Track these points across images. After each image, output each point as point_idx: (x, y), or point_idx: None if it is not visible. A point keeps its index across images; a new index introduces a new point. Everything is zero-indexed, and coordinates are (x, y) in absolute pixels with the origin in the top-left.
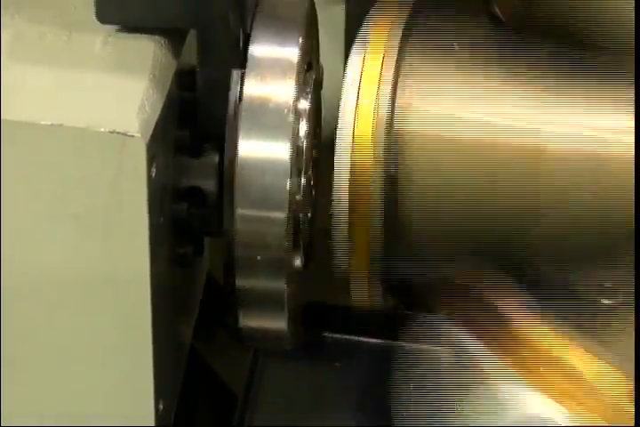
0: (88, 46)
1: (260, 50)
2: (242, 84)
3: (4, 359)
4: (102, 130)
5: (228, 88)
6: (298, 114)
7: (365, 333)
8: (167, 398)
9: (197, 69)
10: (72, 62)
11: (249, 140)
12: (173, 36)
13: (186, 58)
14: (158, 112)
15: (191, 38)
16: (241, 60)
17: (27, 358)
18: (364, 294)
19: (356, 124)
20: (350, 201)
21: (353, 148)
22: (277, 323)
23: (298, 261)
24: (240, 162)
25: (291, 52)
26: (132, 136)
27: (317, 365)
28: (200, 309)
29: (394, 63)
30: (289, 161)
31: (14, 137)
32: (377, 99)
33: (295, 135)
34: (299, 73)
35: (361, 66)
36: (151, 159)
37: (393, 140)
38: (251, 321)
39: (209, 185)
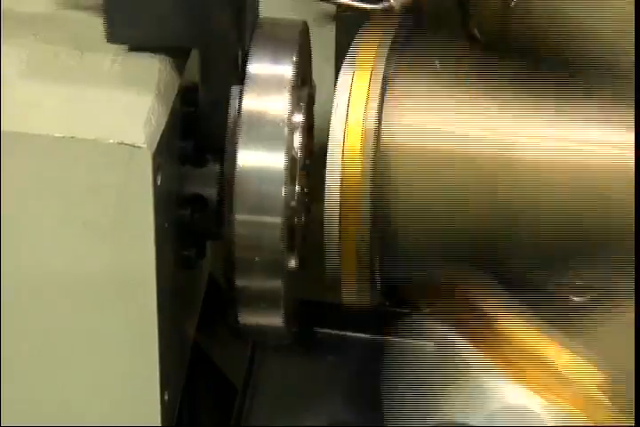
0: (98, 65)
1: (257, 67)
2: (240, 99)
3: (22, 356)
4: (111, 141)
5: (227, 103)
6: (292, 127)
7: (354, 328)
8: (172, 389)
9: (199, 85)
10: (83, 79)
11: (247, 150)
12: (177, 55)
13: (189, 75)
14: (163, 125)
15: (194, 57)
16: (239, 77)
17: (43, 354)
18: (353, 293)
19: (346, 137)
20: (340, 207)
21: (343, 158)
22: (274, 319)
23: (293, 262)
24: (239, 171)
25: (285, 70)
26: (139, 147)
27: (310, 358)
28: (202, 307)
29: (380, 81)
30: (284, 170)
31: (30, 148)
32: (365, 114)
33: (290, 146)
34: (293, 89)
35: (350, 83)
36: (157, 169)
37: (379, 152)
38: (249, 318)
39: (210, 192)
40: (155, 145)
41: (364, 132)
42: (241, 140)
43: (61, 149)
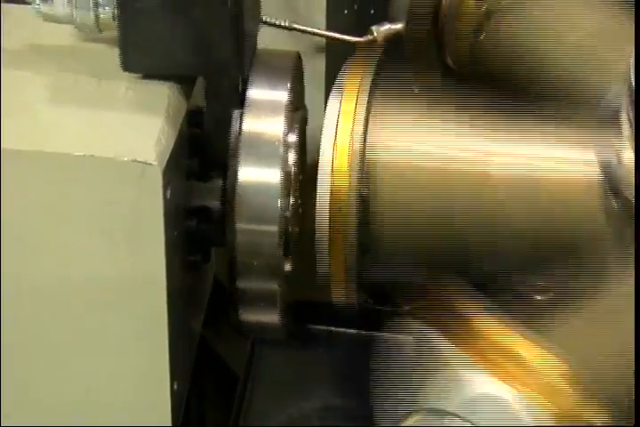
0: (114, 91)
1: (255, 93)
2: (241, 122)
3: (47, 350)
4: (126, 159)
5: (229, 124)
6: (287, 146)
7: (343, 324)
8: (181, 379)
9: (204, 109)
10: (101, 104)
11: (247, 167)
12: (184, 82)
13: (195, 100)
14: (172, 145)
15: (199, 84)
16: (240, 101)
17: (64, 348)
18: (341, 294)
19: (335, 156)
20: (330, 218)
21: (332, 174)
22: (271, 317)
23: (288, 266)
24: (239, 185)
25: (281, 95)
26: (151, 164)
27: (303, 351)
28: (208, 305)
29: (365, 106)
30: (280, 184)
31: (53, 165)
32: (351, 135)
33: (285, 163)
34: (287, 112)
35: (338, 108)
36: (166, 183)
37: (364, 169)
38: (249, 316)
39: (214, 204)
40: (164, 162)
41: (351, 152)
42: (241, 158)
43: (81, 166)
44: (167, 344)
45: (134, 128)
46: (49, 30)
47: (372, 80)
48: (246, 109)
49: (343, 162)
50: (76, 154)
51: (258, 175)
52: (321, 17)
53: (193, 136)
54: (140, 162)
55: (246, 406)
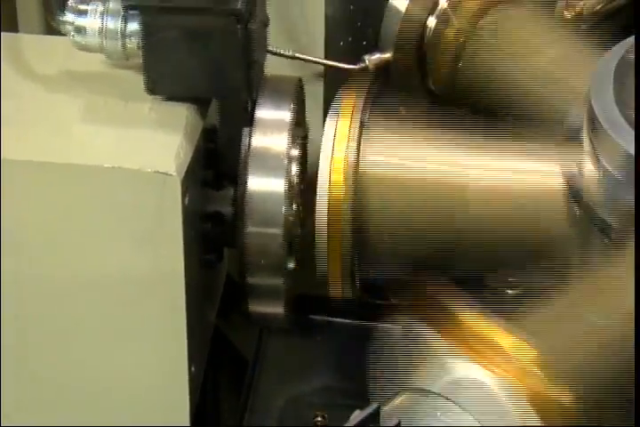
0: (139, 111)
1: (263, 113)
2: (250, 138)
3: (77, 339)
4: (149, 170)
5: (240, 140)
6: (290, 159)
7: (340, 315)
8: (197, 363)
9: (218, 127)
10: (127, 122)
11: (255, 177)
12: (200, 104)
13: (209, 119)
14: (189, 158)
15: (213, 105)
16: (249, 120)
17: (92, 337)
18: (338, 290)
19: (332, 169)
20: (327, 223)
21: (329, 185)
22: (277, 309)
23: (291, 264)
24: (248, 193)
25: (285, 115)
26: (171, 175)
27: (305, 338)
28: (221, 298)
29: (358, 126)
30: (284, 193)
31: (85, 176)
32: (346, 151)
33: (288, 174)
34: (290, 129)
35: (334, 127)
36: (185, 192)
37: (358, 181)
38: (258, 307)
39: (227, 210)
40: (183, 173)
41: (346, 165)
42: (250, 170)
43: (110, 177)
44: (185, 332)
45: (156, 143)
46: (82, 58)
47: (364, 103)
48: (255, 127)
49: (339, 174)
50: (106, 166)
51: (265, 185)
52: (320, 48)
53: (208, 150)
54: (161, 173)
55: (255, 387)
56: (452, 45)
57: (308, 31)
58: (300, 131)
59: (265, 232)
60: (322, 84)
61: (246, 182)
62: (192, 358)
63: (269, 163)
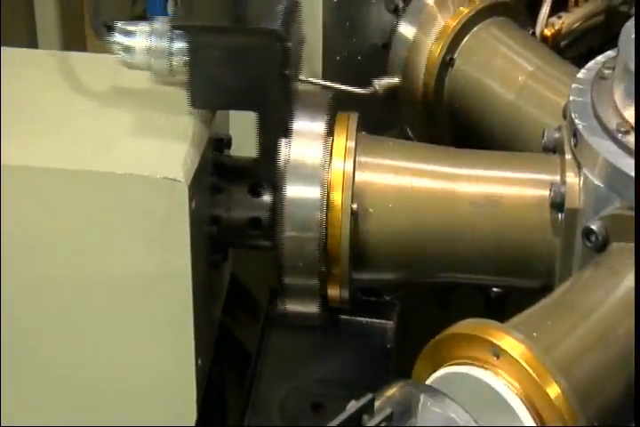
0: (150, 122)
1: (299, 125)
2: (289, 148)
3: (94, 332)
4: (159, 177)
5: (278, 151)
6: (324, 168)
7: (337, 312)
8: (204, 356)
9: (222, 137)
10: (140, 133)
11: (293, 186)
12: (206, 116)
13: (214, 129)
14: (196, 165)
15: (218, 116)
16: (288, 132)
17: (109, 330)
18: (336, 293)
19: (330, 179)
20: (327, 232)
21: (328, 198)
22: (312, 308)
23: (323, 266)
24: (287, 200)
25: (319, 127)
26: (179, 181)
27: (305, 333)
28: (226, 296)
29: (354, 143)
30: (320, 200)
31: (101, 182)
32: (344, 165)
33: (323, 182)
34: (325, 140)
35: (332, 144)
36: (191, 196)
37: (354, 189)
38: (294, 306)
39: (232, 214)
40: (190, 179)
41: (344, 177)
42: (288, 178)
43: (122, 183)
44: (192, 328)
45: (166, 152)
46: (101, 74)
47: (357, 122)
48: (293, 138)
49: (337, 186)
50: (119, 172)
51: (302, 192)
52: (318, 62)
53: (214, 158)
54: (170, 179)
55: (257, 378)
56: (438, 62)
57: (308, 47)
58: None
59: (302, 236)
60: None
61: (284, 190)
62: (199, 352)
63: (307, 172)
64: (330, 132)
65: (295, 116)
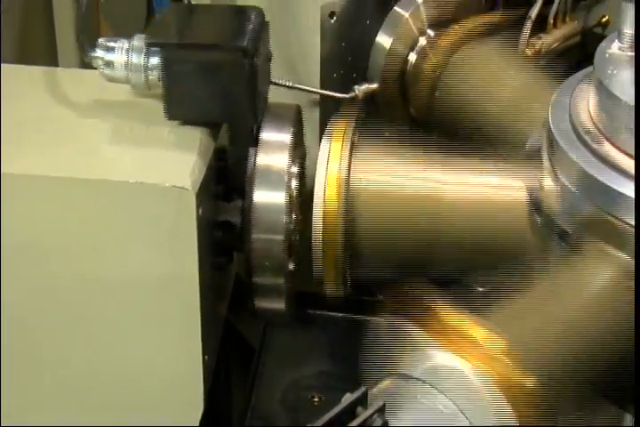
0: (159, 134)
1: (266, 135)
2: (255, 157)
3: (105, 330)
4: (167, 185)
5: (247, 159)
6: (290, 175)
7: (333, 310)
8: (210, 351)
9: (228, 147)
10: (149, 144)
11: (260, 191)
12: (212, 127)
13: (220, 140)
14: (203, 174)
15: (224, 129)
16: (255, 142)
17: (120, 328)
18: (332, 289)
19: (326, 185)
20: (323, 232)
21: (324, 198)
22: (279, 305)
23: (291, 266)
24: (254, 205)
25: (285, 137)
26: (187, 189)
27: (304, 330)
28: (231, 295)
29: (349, 147)
30: (284, 204)
31: (112, 190)
32: (339, 170)
33: (289, 188)
34: (290, 150)
35: (328, 149)
36: (199, 204)
37: (349, 195)
38: (262, 303)
39: (236, 219)
40: (197, 188)
41: (338, 182)
42: (256, 184)
43: (134, 191)
44: (199, 325)
45: (174, 162)
46: (112, 89)
47: (353, 129)
48: (259, 147)
49: (333, 189)
50: (131, 181)
51: (268, 197)
52: (316, 79)
53: (219, 168)
54: (178, 187)
55: (260, 372)
56: (429, 77)
57: (305, 65)
58: (299, 151)
59: (269, 238)
60: (318, 111)
61: (252, 196)
62: (205, 348)
63: (272, 178)
64: (296, 142)
65: (263, 126)
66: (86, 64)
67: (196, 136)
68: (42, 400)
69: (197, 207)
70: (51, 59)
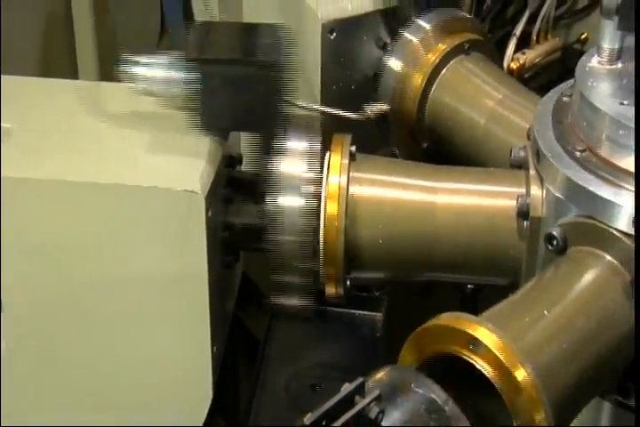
0: (171, 142)
1: (292, 144)
2: (282, 163)
3: (120, 325)
4: (179, 189)
5: (265, 165)
6: (308, 181)
7: (333, 306)
8: (218, 344)
9: (234, 154)
10: (161, 151)
11: (283, 196)
12: (220, 137)
13: (227, 148)
14: (212, 179)
15: (231, 137)
16: (279, 149)
17: (135, 322)
18: (333, 290)
19: (327, 195)
20: (324, 237)
21: (325, 208)
22: (304, 301)
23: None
24: (278, 209)
25: (311, 145)
26: (197, 193)
27: (306, 324)
28: (238, 291)
29: (348, 160)
30: (313, 209)
31: (126, 194)
32: (339, 179)
33: (307, 193)
34: (315, 157)
35: (330, 161)
36: (208, 206)
37: (348, 202)
38: (287, 300)
39: (242, 221)
40: (206, 191)
41: (339, 190)
42: (283, 189)
43: (147, 194)
44: (208, 320)
45: (185, 167)
46: (127, 101)
47: (351, 142)
48: (287, 155)
49: (334, 197)
50: (144, 185)
51: (296, 202)
52: (317, 91)
53: (227, 173)
54: (188, 191)
55: (265, 362)
56: (420, 91)
57: (307, 78)
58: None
59: (297, 240)
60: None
61: (280, 200)
62: (214, 340)
63: (291, 184)
64: (321, 151)
65: (285, 136)
66: (105, 77)
67: (204, 144)
68: (57, 399)
69: (207, 210)
70: (72, 71)
